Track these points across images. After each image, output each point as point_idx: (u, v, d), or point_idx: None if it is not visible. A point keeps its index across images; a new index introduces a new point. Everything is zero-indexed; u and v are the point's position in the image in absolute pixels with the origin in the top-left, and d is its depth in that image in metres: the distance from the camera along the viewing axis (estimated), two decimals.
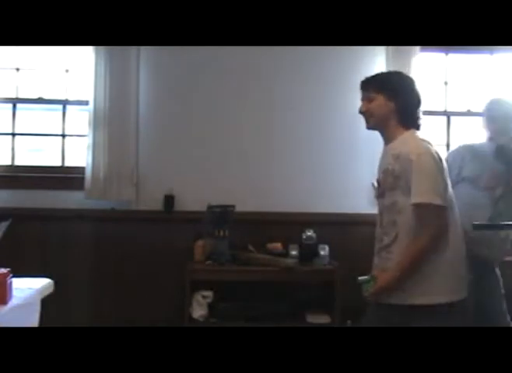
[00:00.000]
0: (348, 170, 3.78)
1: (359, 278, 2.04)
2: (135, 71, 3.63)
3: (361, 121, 3.74)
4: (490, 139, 2.71)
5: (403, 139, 2.08)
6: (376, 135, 3.84)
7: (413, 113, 2.12)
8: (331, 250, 3.48)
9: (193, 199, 3.65)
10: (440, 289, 1.93)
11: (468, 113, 3.95)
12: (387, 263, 2.02)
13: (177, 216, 3.65)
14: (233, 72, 3.73)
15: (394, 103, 2.08)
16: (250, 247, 3.59)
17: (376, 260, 2.11)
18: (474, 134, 3.95)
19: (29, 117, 3.86)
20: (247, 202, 3.58)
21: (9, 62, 3.76)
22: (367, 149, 3.79)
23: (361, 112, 2.17)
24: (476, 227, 2.23)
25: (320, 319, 3.42)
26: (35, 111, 3.90)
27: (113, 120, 3.57)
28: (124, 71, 3.59)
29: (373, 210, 3.73)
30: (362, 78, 2.18)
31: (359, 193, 3.78)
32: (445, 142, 3.94)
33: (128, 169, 3.60)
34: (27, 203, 3.58)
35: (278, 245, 3.57)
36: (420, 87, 2.20)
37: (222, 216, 3.43)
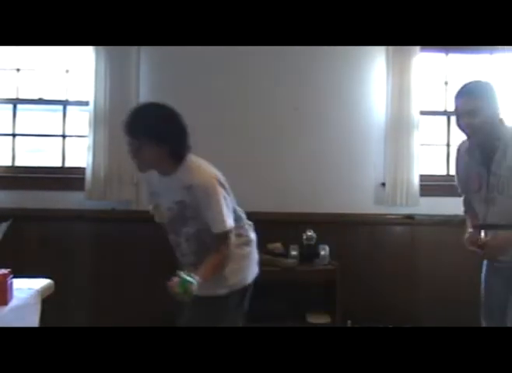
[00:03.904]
0: (349, 170, 3.79)
1: (182, 275, 2.11)
2: (134, 71, 3.63)
3: (361, 121, 3.79)
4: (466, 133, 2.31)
5: (187, 170, 2.16)
6: (376, 136, 3.86)
7: (183, 146, 2.19)
8: (331, 250, 3.48)
9: None
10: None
11: None
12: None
13: None
14: (233, 72, 3.74)
15: (165, 147, 2.12)
16: None
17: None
18: None
19: (30, 118, 3.86)
20: (247, 202, 3.56)
21: (9, 62, 3.76)
22: (368, 149, 3.81)
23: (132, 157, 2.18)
24: (476, 227, 2.23)
25: (320, 319, 3.42)
26: (35, 112, 3.91)
27: (114, 120, 3.56)
28: (124, 71, 3.60)
29: (374, 210, 3.79)
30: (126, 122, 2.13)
31: (359, 193, 3.79)
32: (445, 142, 3.94)
33: (128, 169, 3.60)
34: (28, 203, 3.58)
35: (278, 245, 3.56)
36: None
37: None
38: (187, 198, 2.13)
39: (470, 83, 2.21)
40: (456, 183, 2.41)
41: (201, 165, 2.21)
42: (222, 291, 2.20)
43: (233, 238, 2.18)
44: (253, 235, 2.38)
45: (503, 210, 2.14)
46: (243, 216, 2.37)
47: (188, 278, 2.06)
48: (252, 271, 2.34)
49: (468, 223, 2.34)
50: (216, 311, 2.19)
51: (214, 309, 2.19)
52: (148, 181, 2.32)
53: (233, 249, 2.18)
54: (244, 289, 2.29)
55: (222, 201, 2.13)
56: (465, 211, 2.42)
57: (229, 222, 2.15)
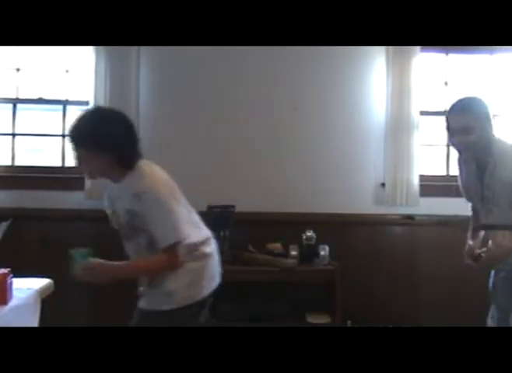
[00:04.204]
0: (349, 170, 3.79)
1: (73, 251, 2.08)
2: (134, 71, 3.63)
3: (361, 122, 3.79)
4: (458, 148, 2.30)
5: (137, 177, 2.06)
6: (376, 136, 3.86)
7: (131, 152, 2.08)
8: (331, 250, 3.48)
9: (193, 199, 3.64)
10: None
11: None
12: None
13: None
14: (233, 72, 3.74)
15: (112, 156, 2.02)
16: (250, 247, 3.58)
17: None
18: None
19: (30, 117, 3.86)
20: (247, 202, 3.58)
21: (9, 62, 3.76)
22: (368, 150, 3.81)
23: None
24: (477, 227, 2.24)
25: (320, 319, 3.42)
26: (35, 111, 3.91)
27: None
28: (124, 71, 3.60)
29: (373, 210, 3.79)
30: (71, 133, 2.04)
31: (359, 193, 3.79)
32: (445, 142, 3.94)
33: None
34: (27, 203, 3.58)
35: (278, 245, 3.57)
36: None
37: (222, 216, 3.43)
38: (136, 207, 2.03)
39: (462, 100, 2.21)
40: (461, 190, 2.43)
41: (153, 172, 2.09)
42: (169, 306, 2.08)
43: (183, 252, 2.05)
44: (209, 249, 2.20)
45: (501, 220, 2.15)
46: (202, 227, 2.24)
47: (79, 252, 2.06)
48: (207, 286, 2.17)
49: (469, 234, 2.36)
50: (161, 325, 2.01)
51: (158, 324, 2.01)
52: (107, 186, 2.25)
53: (184, 264, 2.07)
54: (198, 303, 2.14)
55: (174, 211, 2.03)
56: (472, 217, 2.43)
57: (179, 234, 2.02)
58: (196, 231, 2.17)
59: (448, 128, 2.20)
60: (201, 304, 2.15)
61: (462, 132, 2.13)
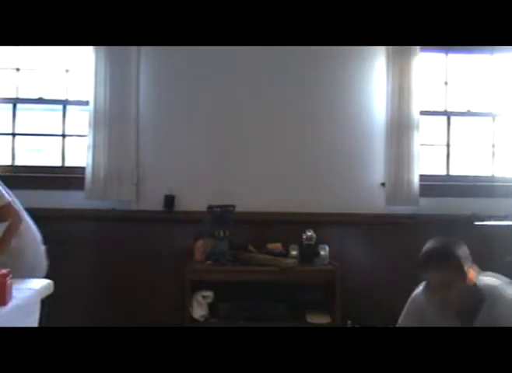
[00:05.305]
0: (349, 170, 3.79)
1: None
2: (135, 71, 3.63)
3: (361, 121, 3.79)
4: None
5: None
6: (376, 136, 3.86)
7: None
8: (331, 250, 3.48)
9: (193, 199, 3.65)
10: None
11: (468, 113, 3.96)
12: None
13: (177, 216, 3.65)
14: (234, 72, 3.74)
15: None
16: (251, 247, 3.59)
17: None
18: (474, 134, 3.96)
19: (30, 117, 3.86)
20: (247, 202, 3.58)
21: (9, 62, 3.77)
22: (368, 149, 3.81)
23: None
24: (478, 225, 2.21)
25: (320, 319, 3.42)
26: (35, 111, 3.91)
27: (114, 120, 3.57)
28: (124, 71, 3.60)
29: (373, 210, 3.79)
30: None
31: (359, 193, 3.79)
32: (445, 142, 3.95)
33: (128, 169, 3.61)
34: (27, 203, 3.57)
35: (278, 245, 3.57)
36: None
37: (222, 216, 3.43)
38: None
39: (436, 250, 1.90)
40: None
41: None
42: None
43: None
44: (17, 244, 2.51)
45: None
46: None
47: None
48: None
49: None
50: None
51: None
52: None
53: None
54: None
55: None
56: None
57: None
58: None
59: (426, 281, 1.94)
60: None
61: (443, 288, 1.85)
